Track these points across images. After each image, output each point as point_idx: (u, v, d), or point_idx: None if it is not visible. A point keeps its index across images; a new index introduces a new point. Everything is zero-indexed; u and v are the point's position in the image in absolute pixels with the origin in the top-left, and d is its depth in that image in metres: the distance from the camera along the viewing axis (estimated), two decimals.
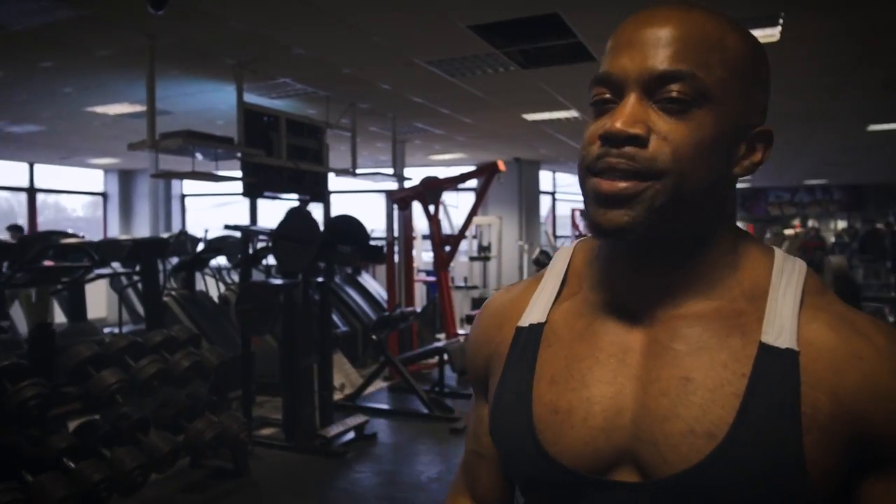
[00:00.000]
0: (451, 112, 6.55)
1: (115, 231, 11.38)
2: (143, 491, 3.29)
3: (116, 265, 6.08)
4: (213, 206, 13.44)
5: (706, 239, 0.67)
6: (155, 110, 3.98)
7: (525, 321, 0.74)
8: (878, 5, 3.71)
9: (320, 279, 4.78)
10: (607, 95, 0.64)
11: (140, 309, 6.51)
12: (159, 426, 3.52)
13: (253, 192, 4.77)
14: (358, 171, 6.40)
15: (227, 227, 4.87)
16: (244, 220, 4.95)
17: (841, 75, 5.26)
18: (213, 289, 7.10)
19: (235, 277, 7.20)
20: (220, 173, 4.55)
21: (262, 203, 5.04)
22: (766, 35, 4.20)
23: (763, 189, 16.77)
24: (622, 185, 0.61)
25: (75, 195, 12.32)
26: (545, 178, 12.08)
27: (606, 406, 0.66)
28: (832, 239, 15.60)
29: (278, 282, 4.74)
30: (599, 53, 4.55)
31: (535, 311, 0.74)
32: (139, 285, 6.33)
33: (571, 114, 6.70)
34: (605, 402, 0.66)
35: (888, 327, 0.65)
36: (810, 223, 16.13)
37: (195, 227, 10.83)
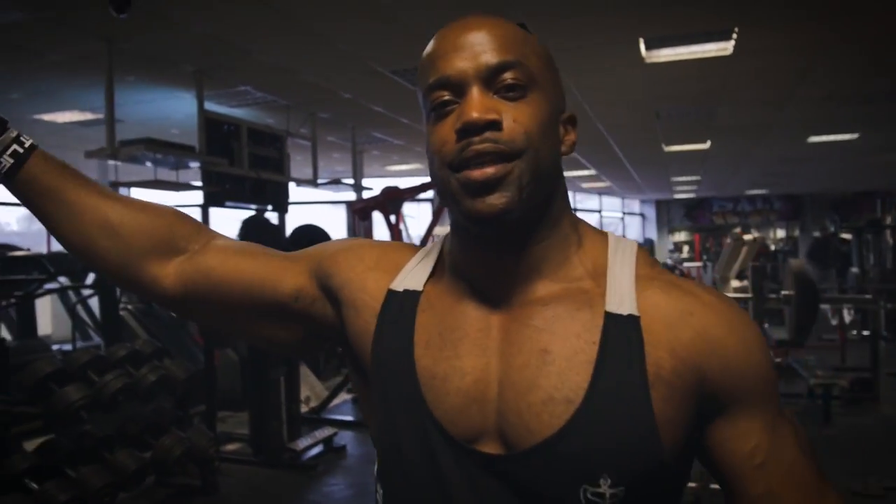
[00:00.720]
0: (411, 122, 6.57)
1: (58, 244, 10.92)
2: None
3: (64, 279, 5.86)
4: None
5: (555, 220, 0.73)
6: (114, 118, 3.87)
7: (399, 286, 0.77)
8: (823, 22, 3.91)
9: None
10: (447, 97, 0.68)
11: (91, 324, 6.28)
12: (125, 443, 3.40)
13: (214, 201, 4.68)
14: (319, 180, 6.35)
15: None
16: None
17: (787, 88, 5.50)
18: None
19: None
20: (180, 182, 4.45)
21: (214, 213, 4.95)
22: (720, 48, 4.37)
23: (707, 199, 17.33)
24: (491, 169, 0.65)
25: (8, 207, 11.78)
26: None
27: (477, 378, 0.70)
28: (772, 247, 16.23)
29: None
30: (560, 65, 4.65)
31: (411, 280, 0.78)
32: (88, 300, 6.12)
33: None
34: (475, 373, 0.70)
35: (709, 287, 0.74)
36: (758, 234, 16.75)
37: None
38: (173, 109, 5.51)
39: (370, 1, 3.43)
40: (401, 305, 0.76)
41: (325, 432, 4.77)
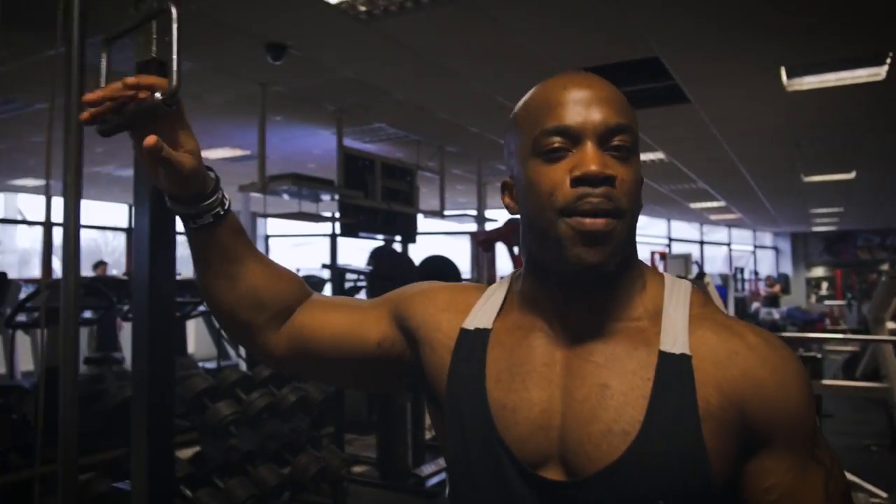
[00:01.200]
0: None
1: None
2: None
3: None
4: (293, 247, 13.92)
5: (628, 268, 0.78)
6: (265, 154, 4.20)
7: (470, 325, 0.84)
8: None
9: None
10: (560, 144, 0.74)
11: (231, 345, 6.74)
12: (266, 459, 3.62)
13: (350, 231, 4.94)
14: (445, 212, 6.52)
15: (323, 265, 5.03)
16: (321, 260, 5.09)
17: None
18: None
19: None
20: (321, 214, 4.73)
21: (343, 242, 5.21)
22: (871, 74, 4.12)
23: (851, 232, 16.09)
24: (602, 222, 0.71)
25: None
26: None
27: (543, 409, 0.76)
28: None
29: None
30: (694, 95, 4.56)
31: (480, 318, 0.84)
32: None
33: (657, 155, 6.67)
34: (542, 404, 0.76)
35: (759, 328, 0.77)
36: None
37: None
38: (313, 145, 5.89)
39: (500, 40, 3.54)
40: (472, 343, 0.83)
41: None
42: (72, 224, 1.32)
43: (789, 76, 4.18)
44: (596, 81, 0.77)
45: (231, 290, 0.88)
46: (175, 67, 0.71)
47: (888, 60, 3.87)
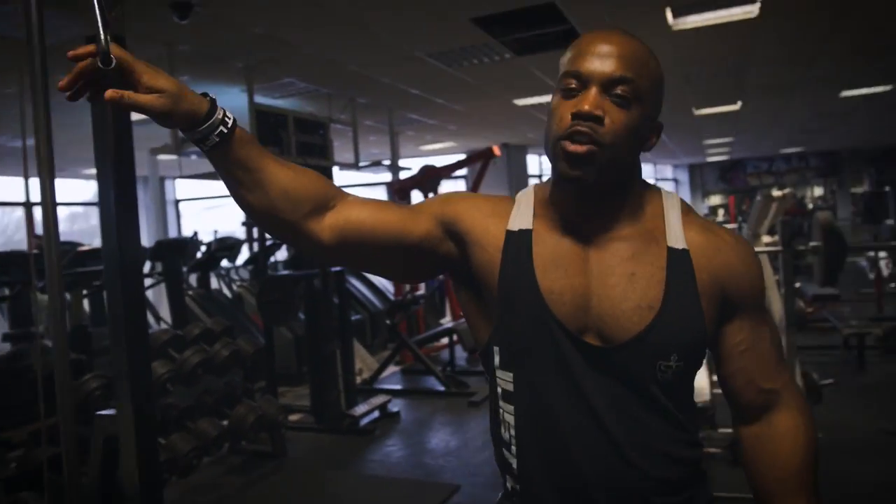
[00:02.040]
0: (445, 102, 6.76)
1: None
2: (195, 475, 3.52)
3: None
4: (205, 209, 13.56)
5: (627, 187, 1.02)
6: None
7: (514, 226, 1.04)
8: None
9: (337, 269, 5.00)
10: (574, 85, 0.96)
11: (150, 311, 6.67)
12: (204, 413, 3.73)
13: None
14: (360, 163, 6.60)
15: (244, 223, 5.04)
16: (237, 223, 5.11)
17: (815, 45, 5.55)
18: (222, 287, 7.27)
19: (242, 275, 7.38)
20: None
21: None
22: (746, 12, 4.46)
23: (741, 160, 17.17)
24: (582, 148, 0.93)
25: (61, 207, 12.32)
26: (533, 162, 12.32)
27: (582, 293, 0.99)
28: (810, 205, 16.05)
29: (297, 274, 4.95)
30: None
31: (521, 221, 1.04)
32: (149, 290, 6.49)
33: None
34: (581, 289, 0.99)
35: (729, 230, 1.07)
36: (787, 190, 16.54)
37: (188, 231, 10.93)
38: (224, 103, 5.68)
39: None
40: (518, 242, 1.02)
41: (380, 399, 5.07)
42: (48, 201, 1.41)
43: (675, 16, 4.48)
44: (618, 38, 0.97)
45: (264, 196, 0.97)
46: (101, 33, 0.84)
47: None
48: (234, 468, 4.09)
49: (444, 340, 6.49)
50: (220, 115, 0.92)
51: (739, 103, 8.20)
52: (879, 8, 4.64)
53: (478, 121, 8.13)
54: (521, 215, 1.04)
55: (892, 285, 7.97)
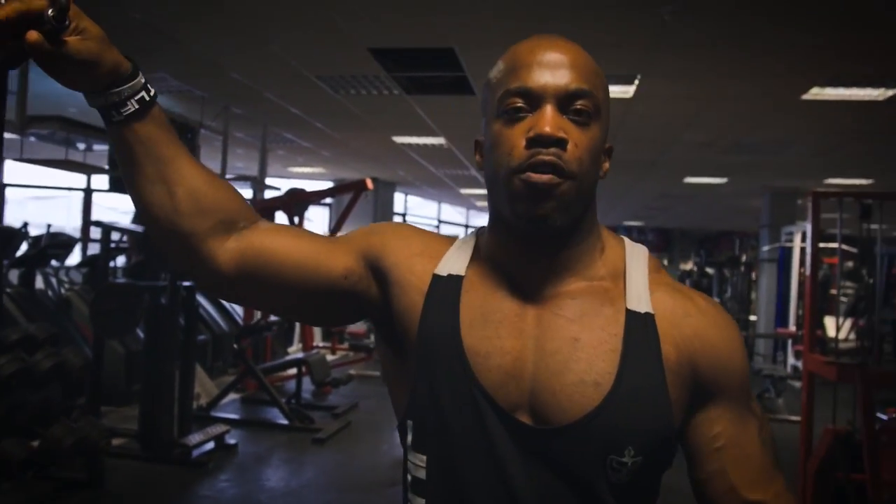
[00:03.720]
0: (324, 126, 6.62)
1: None
2: None
3: None
4: (31, 200, 12.21)
5: (586, 230, 0.83)
6: (27, 91, 3.68)
7: (443, 271, 0.85)
8: (712, 79, 4.42)
9: (187, 283, 4.63)
10: (521, 105, 0.76)
11: None
12: (11, 432, 3.25)
13: (121, 187, 4.53)
14: (227, 176, 6.25)
15: (94, 223, 4.55)
16: (66, 217, 4.63)
17: (674, 133, 6.09)
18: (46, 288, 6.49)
19: (73, 278, 6.66)
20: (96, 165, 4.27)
21: (103, 198, 4.78)
22: (622, 91, 4.80)
23: None
24: (547, 178, 0.74)
25: None
26: (399, 200, 12.39)
27: (515, 357, 0.79)
28: None
29: (142, 284, 4.52)
30: (481, 90, 4.88)
31: (453, 265, 0.85)
32: None
33: (439, 140, 7.04)
34: (514, 353, 0.79)
35: (704, 294, 0.88)
36: None
37: (10, 222, 9.76)
38: None
39: (311, 10, 3.52)
40: (446, 288, 0.83)
41: (218, 429, 4.71)
42: None
43: None
44: (563, 45, 0.79)
45: (167, 194, 0.79)
46: None
47: (636, 81, 4.56)
48: (41, 498, 3.57)
49: (293, 371, 6.21)
50: (141, 80, 0.75)
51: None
52: (731, 111, 5.20)
53: (353, 151, 8.04)
54: (455, 259, 0.86)
55: None
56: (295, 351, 7.71)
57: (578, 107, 0.76)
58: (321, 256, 0.86)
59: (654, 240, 18.31)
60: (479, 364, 0.79)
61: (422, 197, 13.64)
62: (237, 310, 7.45)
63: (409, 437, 0.84)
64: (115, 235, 5.49)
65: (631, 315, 0.80)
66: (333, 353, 8.31)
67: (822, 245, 4.57)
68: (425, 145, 7.34)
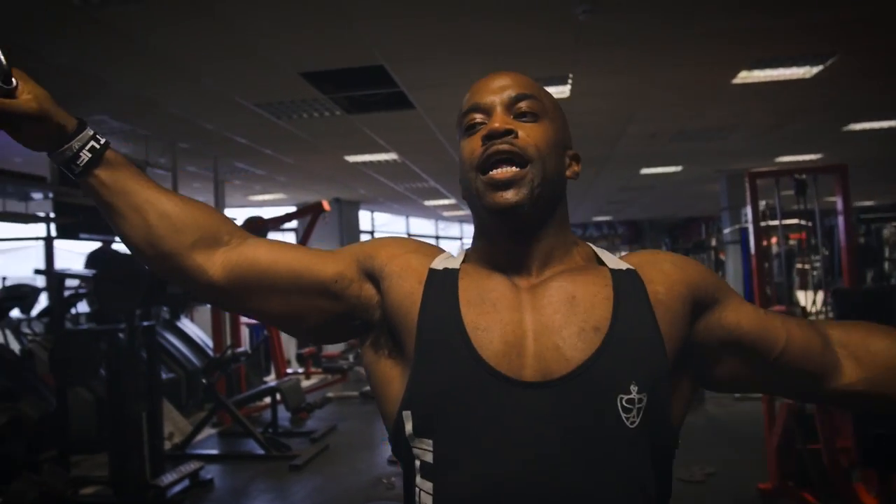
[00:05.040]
0: (274, 153, 6.64)
1: None
2: None
3: None
4: None
5: (559, 224, 0.92)
6: None
7: (438, 265, 0.91)
8: (642, 73, 4.52)
9: (146, 323, 4.61)
10: (478, 119, 0.90)
11: None
12: None
13: (69, 233, 4.51)
14: None
15: (37, 271, 4.53)
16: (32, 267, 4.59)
17: (616, 127, 6.20)
18: (10, 342, 6.40)
19: (35, 329, 6.57)
20: (33, 214, 4.25)
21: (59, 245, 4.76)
22: (559, 92, 4.89)
23: None
24: (509, 170, 0.84)
25: None
26: (364, 218, 12.40)
27: (514, 328, 0.84)
28: None
29: (98, 328, 4.49)
30: (418, 102, 4.97)
31: (447, 263, 0.92)
32: None
33: (391, 156, 7.09)
34: (513, 324, 0.84)
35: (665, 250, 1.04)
36: None
37: None
38: None
39: (233, 39, 3.55)
40: (443, 277, 0.90)
41: (191, 467, 4.68)
42: None
43: None
44: (509, 73, 0.92)
45: (141, 222, 0.88)
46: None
47: (569, 81, 4.65)
48: None
49: (267, 400, 6.18)
50: (89, 132, 0.86)
51: None
52: (669, 101, 5.31)
53: (308, 174, 8.06)
54: (448, 259, 0.94)
55: None
56: (271, 380, 7.67)
57: (524, 108, 0.89)
58: (312, 263, 0.92)
59: (625, 232, 18.50)
60: (480, 337, 0.83)
61: (389, 213, 13.67)
62: (208, 343, 7.41)
63: (409, 426, 0.84)
64: (74, 282, 5.45)
65: (615, 272, 0.89)
66: (308, 377, 8.28)
67: (775, 223, 4.69)
68: (378, 162, 7.38)
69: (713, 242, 11.35)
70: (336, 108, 4.99)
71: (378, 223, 13.79)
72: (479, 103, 0.90)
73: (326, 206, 6.76)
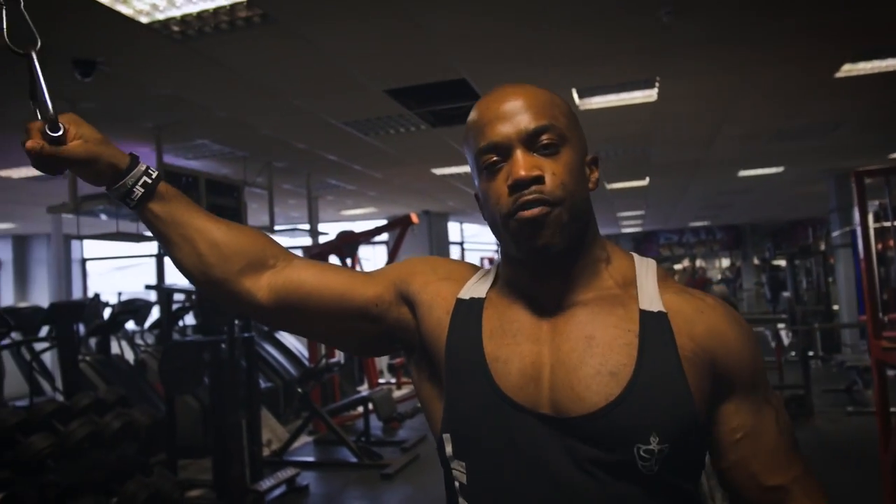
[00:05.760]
0: (364, 168, 6.83)
1: (8, 300, 10.76)
2: None
3: (16, 335, 5.84)
4: (114, 270, 13.00)
5: (588, 246, 0.90)
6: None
7: (465, 295, 0.94)
8: (736, 73, 4.34)
9: (245, 335, 4.84)
10: (495, 159, 0.86)
11: (45, 380, 6.24)
12: (90, 490, 3.47)
13: None
14: (276, 227, 6.52)
15: (147, 286, 4.85)
16: (146, 283, 4.91)
17: (711, 128, 5.96)
18: (126, 352, 6.90)
19: (148, 340, 7.04)
20: (143, 234, 4.57)
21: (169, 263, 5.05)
22: (646, 96, 4.77)
23: (654, 232, 17.98)
24: (538, 210, 0.82)
25: None
26: (454, 229, 12.51)
27: (533, 361, 0.86)
28: (717, 276, 16.87)
29: (202, 339, 4.76)
30: None
31: (475, 291, 0.95)
32: (41, 355, 6.08)
33: (467, 169, 7.12)
34: (531, 357, 0.86)
35: (710, 294, 0.93)
36: (697, 262, 17.42)
37: (96, 292, 10.42)
38: None
39: (319, 61, 3.69)
40: (469, 308, 0.93)
41: (288, 473, 4.86)
42: None
43: (580, 97, 4.73)
44: (516, 92, 0.87)
45: (192, 251, 0.93)
46: (48, 101, 0.85)
47: (657, 84, 4.52)
48: None
49: (360, 409, 6.34)
50: (142, 167, 0.91)
51: (647, 179, 8.65)
52: (766, 100, 5.06)
53: (397, 188, 8.23)
54: (478, 285, 0.96)
55: (792, 354, 8.35)
56: (363, 390, 7.85)
57: (544, 141, 0.85)
58: (353, 285, 0.97)
59: (724, 237, 17.71)
60: (499, 369, 0.87)
61: (478, 223, 13.72)
62: (305, 354, 7.68)
63: (449, 448, 0.90)
64: (181, 296, 5.81)
65: (644, 314, 0.86)
66: (399, 387, 8.41)
67: (888, 224, 4.36)
68: (464, 174, 7.44)
69: (822, 246, 10.68)
70: (421, 122, 5.07)
71: (468, 234, 13.88)
72: (494, 141, 0.85)
73: (415, 218, 6.88)
